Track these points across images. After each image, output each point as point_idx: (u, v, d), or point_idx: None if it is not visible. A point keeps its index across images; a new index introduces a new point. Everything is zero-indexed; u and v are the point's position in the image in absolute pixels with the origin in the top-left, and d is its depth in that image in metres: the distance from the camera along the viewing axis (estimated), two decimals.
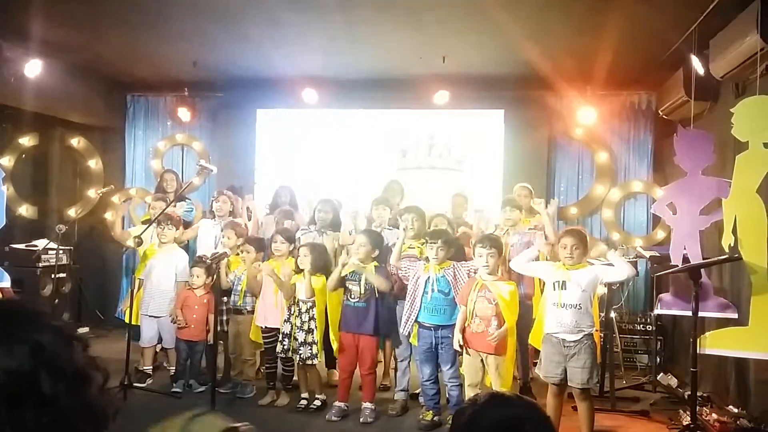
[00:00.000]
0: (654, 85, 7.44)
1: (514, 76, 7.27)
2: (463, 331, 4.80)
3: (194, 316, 5.73)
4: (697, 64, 5.54)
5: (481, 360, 4.76)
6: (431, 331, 5.00)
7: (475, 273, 4.90)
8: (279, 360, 5.49)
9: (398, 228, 5.69)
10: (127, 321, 6.05)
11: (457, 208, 6.62)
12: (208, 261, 5.58)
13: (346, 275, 5.18)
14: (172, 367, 5.97)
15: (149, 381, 5.93)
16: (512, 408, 1.53)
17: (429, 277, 5.00)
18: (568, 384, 4.44)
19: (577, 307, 4.40)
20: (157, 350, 6.24)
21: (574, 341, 4.39)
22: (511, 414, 1.50)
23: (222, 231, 6.07)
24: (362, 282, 5.13)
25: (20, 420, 0.88)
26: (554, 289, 4.50)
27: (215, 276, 5.63)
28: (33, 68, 6.64)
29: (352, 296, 5.16)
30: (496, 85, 7.59)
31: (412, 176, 7.93)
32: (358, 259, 5.16)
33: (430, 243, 5.02)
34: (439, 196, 7.15)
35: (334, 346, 5.30)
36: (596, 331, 4.54)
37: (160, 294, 5.93)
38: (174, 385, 5.75)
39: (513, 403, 1.57)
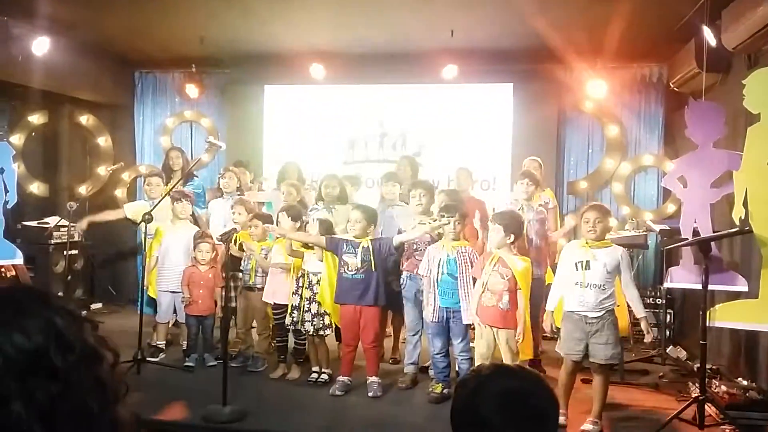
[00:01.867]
0: (665, 57, 7.36)
1: (523, 49, 7.19)
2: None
3: (201, 291, 5.78)
4: (709, 36, 5.47)
5: (493, 334, 4.77)
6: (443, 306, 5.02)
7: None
8: (290, 333, 5.53)
9: (407, 204, 5.72)
10: (151, 295, 6.15)
11: (461, 181, 6.61)
12: (218, 239, 5.62)
13: (343, 247, 5.17)
14: (185, 341, 6.04)
15: (162, 355, 6.00)
16: (516, 380, 1.54)
17: (441, 259, 5.00)
18: (590, 359, 4.43)
19: (601, 287, 4.37)
20: (170, 325, 6.31)
21: (596, 318, 4.38)
22: (515, 386, 1.51)
23: (232, 207, 6.10)
24: (359, 254, 5.12)
25: (31, 393, 0.90)
26: (577, 269, 4.45)
27: (226, 252, 5.68)
28: (41, 46, 6.62)
29: (349, 268, 5.14)
30: (504, 58, 7.53)
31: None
32: (354, 236, 5.16)
33: (448, 217, 5.01)
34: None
35: (334, 319, 5.33)
36: (618, 306, 4.53)
37: (178, 269, 5.95)
38: (186, 359, 5.82)
39: (517, 375, 1.58)
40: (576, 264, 4.47)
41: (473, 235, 5.42)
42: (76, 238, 7.74)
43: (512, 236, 4.78)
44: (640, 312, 4.50)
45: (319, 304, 5.30)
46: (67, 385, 0.92)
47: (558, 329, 4.75)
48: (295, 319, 5.35)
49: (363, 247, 5.12)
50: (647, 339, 4.57)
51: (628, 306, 4.74)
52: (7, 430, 0.88)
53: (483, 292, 4.75)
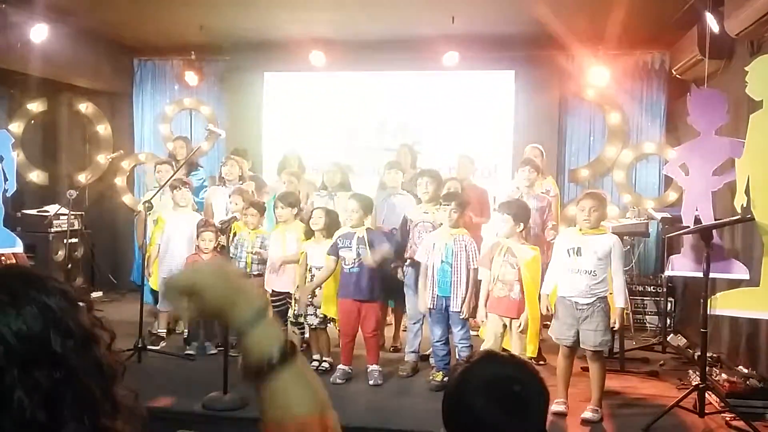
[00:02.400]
0: (667, 44, 7.31)
1: (525, 35, 7.15)
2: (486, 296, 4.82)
3: None
4: (711, 22, 5.43)
5: (504, 324, 4.76)
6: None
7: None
8: (290, 322, 5.53)
9: (411, 192, 5.70)
10: (153, 286, 6.15)
11: (463, 169, 6.58)
12: (218, 226, 5.61)
13: (339, 245, 5.14)
14: (185, 330, 6.04)
15: (163, 344, 6.01)
16: (503, 367, 1.56)
17: (440, 247, 4.97)
18: (581, 346, 4.45)
19: (592, 273, 4.38)
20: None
21: (586, 304, 4.39)
22: (501, 373, 1.53)
23: (230, 197, 6.09)
24: (354, 245, 5.09)
25: (34, 381, 0.88)
26: (569, 256, 4.47)
27: (227, 239, 5.68)
28: (39, 33, 6.57)
29: (346, 262, 5.12)
30: (506, 45, 7.48)
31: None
32: (351, 225, 5.15)
33: (444, 205, 5.00)
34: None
35: (329, 313, 5.32)
36: (610, 294, 4.53)
37: (180, 257, 5.95)
38: (187, 347, 5.82)
39: (504, 362, 1.60)
40: (568, 250, 4.48)
41: (473, 224, 5.42)
42: (76, 226, 7.73)
43: (521, 225, 4.79)
44: (619, 302, 4.48)
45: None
46: (68, 371, 0.91)
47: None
48: (296, 312, 5.35)
49: (358, 237, 5.09)
50: (616, 326, 4.51)
51: (627, 295, 4.72)
52: (11, 420, 0.88)
53: (494, 283, 4.75)
